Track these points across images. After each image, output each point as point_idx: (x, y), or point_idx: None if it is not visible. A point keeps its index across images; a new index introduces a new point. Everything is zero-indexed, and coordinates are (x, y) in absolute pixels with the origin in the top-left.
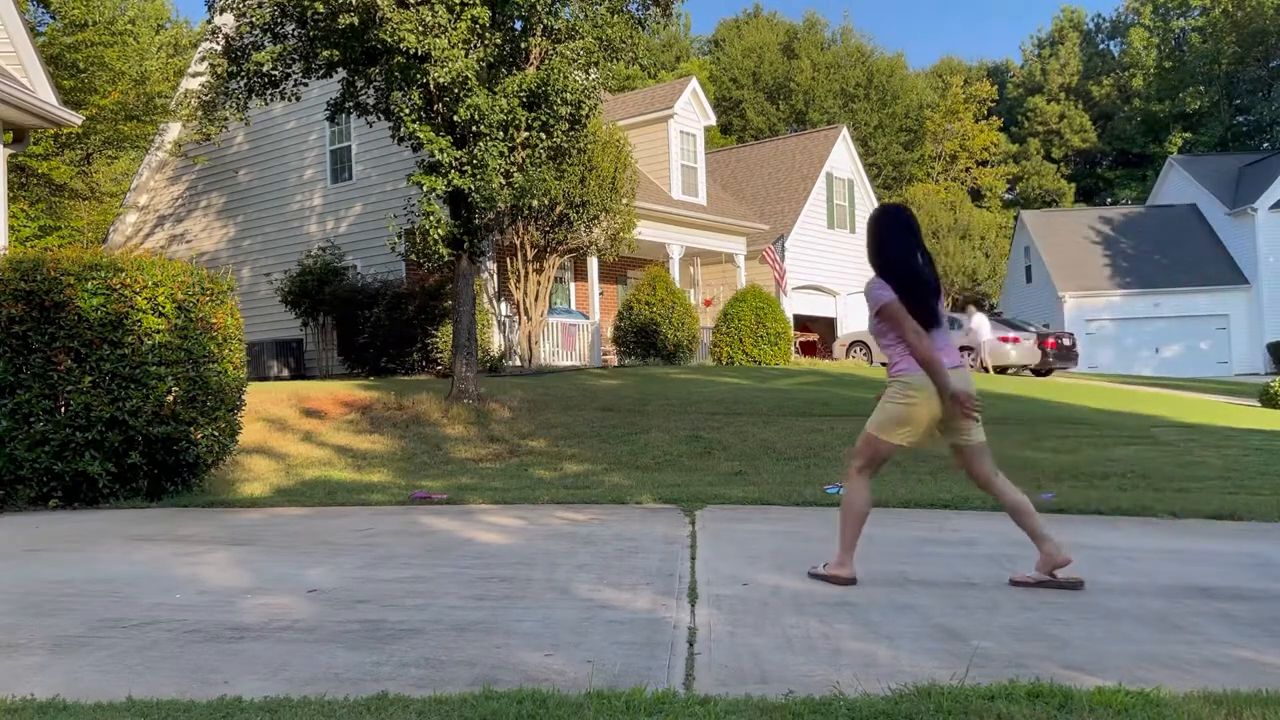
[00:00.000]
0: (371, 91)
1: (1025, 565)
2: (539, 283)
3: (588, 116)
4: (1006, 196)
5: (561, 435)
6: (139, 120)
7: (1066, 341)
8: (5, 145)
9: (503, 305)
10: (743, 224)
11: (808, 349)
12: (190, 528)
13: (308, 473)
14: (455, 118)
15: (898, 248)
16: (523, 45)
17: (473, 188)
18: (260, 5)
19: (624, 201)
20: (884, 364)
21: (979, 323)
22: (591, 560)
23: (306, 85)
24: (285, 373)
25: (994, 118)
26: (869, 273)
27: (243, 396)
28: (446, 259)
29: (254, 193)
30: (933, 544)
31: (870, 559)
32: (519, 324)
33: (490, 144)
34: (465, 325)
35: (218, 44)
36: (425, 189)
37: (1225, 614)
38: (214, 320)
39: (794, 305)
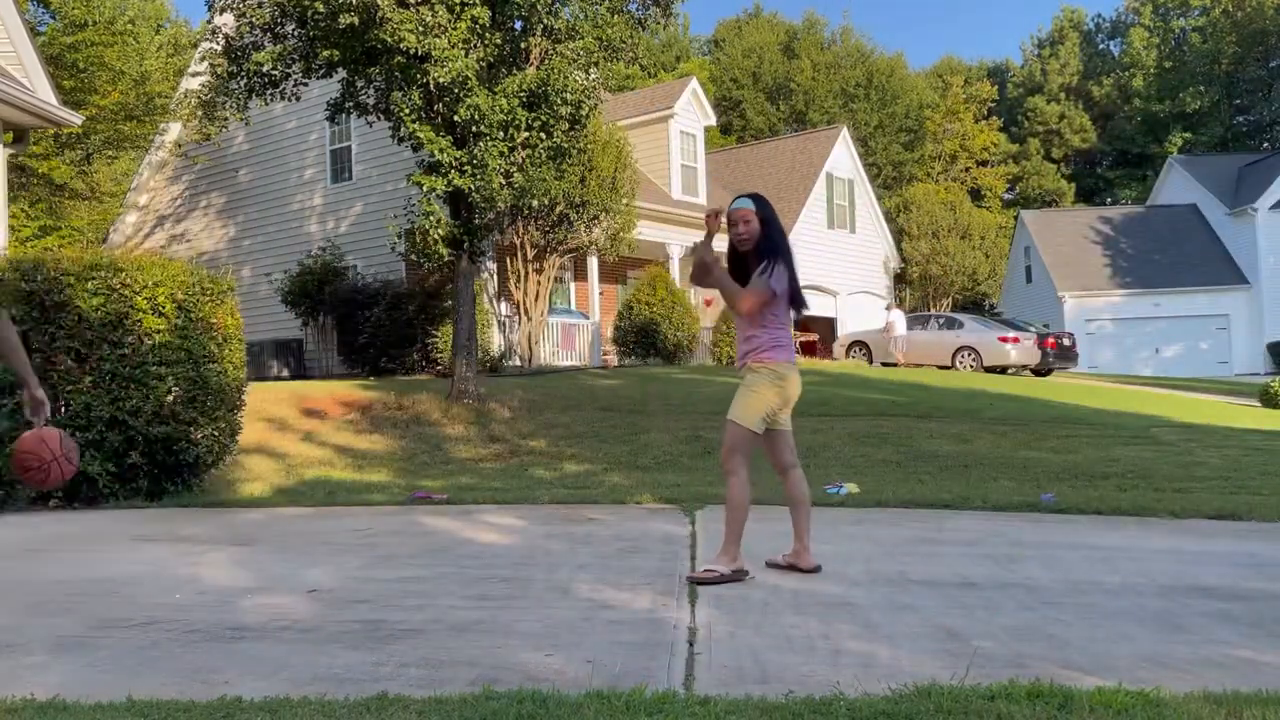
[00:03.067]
0: (371, 91)
1: (1026, 565)
2: (539, 283)
3: (588, 116)
4: (1006, 196)
5: (561, 435)
6: (139, 120)
7: (1066, 341)
8: (5, 145)
9: (503, 305)
10: None
11: (808, 349)
12: (190, 528)
13: (308, 473)
14: (455, 118)
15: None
16: (523, 45)
17: (473, 188)
18: (260, 5)
19: (624, 201)
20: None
21: (895, 318)
22: (591, 560)
23: (306, 85)
24: (285, 373)
25: (994, 118)
26: (869, 273)
27: (243, 396)
28: (446, 259)
29: (254, 193)
30: (933, 544)
31: (870, 559)
32: (519, 324)
33: (490, 144)
34: (465, 325)
35: (218, 44)
36: (425, 189)
37: (1225, 614)
38: (214, 320)
39: None
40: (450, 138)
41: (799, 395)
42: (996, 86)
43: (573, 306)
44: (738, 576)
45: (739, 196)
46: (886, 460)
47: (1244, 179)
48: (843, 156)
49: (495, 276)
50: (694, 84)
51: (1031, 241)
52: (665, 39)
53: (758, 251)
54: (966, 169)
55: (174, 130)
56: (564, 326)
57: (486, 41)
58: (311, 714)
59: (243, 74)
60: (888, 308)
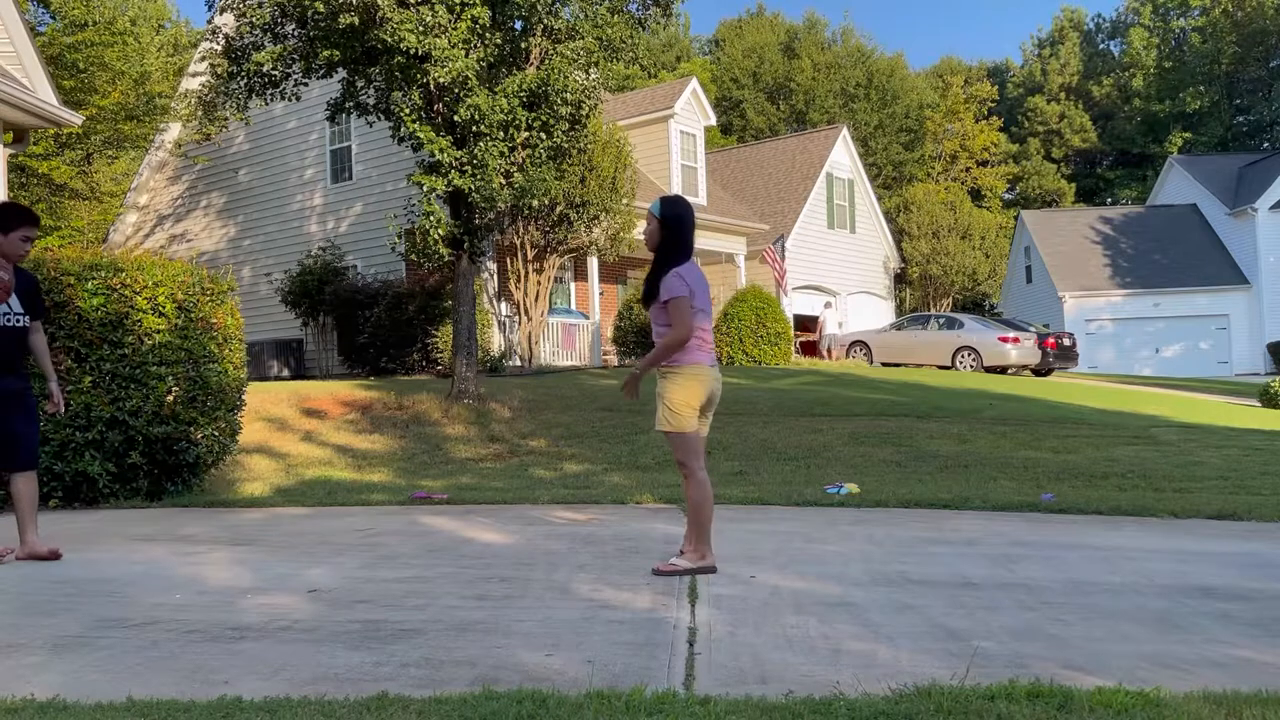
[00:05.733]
0: (371, 91)
1: (1026, 565)
2: (539, 283)
3: (588, 116)
4: (1006, 196)
5: (562, 435)
6: (139, 120)
7: (1066, 341)
8: (5, 145)
9: (503, 305)
10: (743, 224)
11: (808, 349)
12: (190, 528)
13: (308, 472)
14: (455, 118)
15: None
16: (523, 45)
17: (473, 188)
18: (260, 5)
19: (624, 201)
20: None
21: (826, 317)
22: (591, 560)
23: (306, 85)
24: (285, 373)
25: (994, 118)
26: (869, 273)
27: (243, 396)
28: (447, 259)
29: (254, 192)
30: (933, 544)
31: (870, 559)
32: (519, 324)
33: (490, 144)
34: (465, 325)
35: (218, 44)
36: (425, 189)
37: (1225, 614)
38: (214, 320)
39: (794, 305)
40: (450, 138)
41: (718, 396)
42: (996, 86)
43: (573, 306)
44: (702, 571)
45: (657, 199)
46: (886, 460)
47: (1244, 179)
48: (843, 156)
49: (495, 276)
50: (694, 84)
51: (1031, 241)
52: (665, 39)
53: (655, 254)
54: (966, 169)
55: (174, 130)
56: (564, 326)
57: (486, 41)
58: (311, 714)
59: (243, 74)
60: (826, 305)
